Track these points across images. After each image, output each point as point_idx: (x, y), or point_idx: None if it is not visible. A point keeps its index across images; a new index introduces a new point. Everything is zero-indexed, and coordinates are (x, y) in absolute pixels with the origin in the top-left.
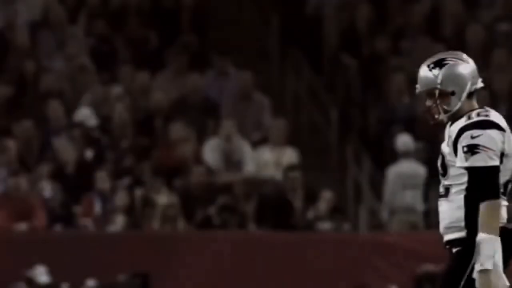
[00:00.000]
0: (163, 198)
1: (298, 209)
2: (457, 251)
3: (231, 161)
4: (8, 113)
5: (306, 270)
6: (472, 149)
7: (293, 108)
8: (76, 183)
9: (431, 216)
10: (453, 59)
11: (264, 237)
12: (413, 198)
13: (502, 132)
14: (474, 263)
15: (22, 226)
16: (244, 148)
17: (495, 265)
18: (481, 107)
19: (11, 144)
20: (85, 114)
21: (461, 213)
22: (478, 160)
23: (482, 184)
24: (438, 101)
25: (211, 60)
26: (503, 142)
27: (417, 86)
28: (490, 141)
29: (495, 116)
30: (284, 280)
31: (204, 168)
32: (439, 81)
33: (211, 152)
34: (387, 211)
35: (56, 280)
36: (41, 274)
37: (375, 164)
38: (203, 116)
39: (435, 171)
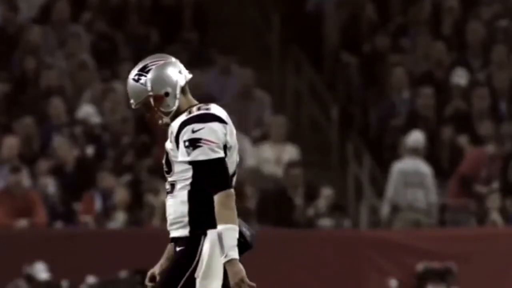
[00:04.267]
0: (164, 195)
1: (299, 206)
2: (180, 250)
3: None
4: (8, 110)
5: (306, 267)
6: (194, 143)
7: (293, 105)
8: (76, 180)
9: (433, 214)
10: (154, 62)
11: (265, 234)
12: (417, 196)
13: (224, 124)
14: (196, 263)
15: (22, 223)
16: (245, 145)
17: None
18: (200, 102)
19: (12, 141)
20: (88, 112)
21: (185, 209)
22: (201, 154)
23: (212, 177)
24: (156, 107)
25: (212, 57)
26: (226, 135)
27: (131, 101)
28: (212, 133)
29: (216, 109)
30: (284, 277)
31: None
32: (149, 88)
33: None
34: (390, 208)
35: (56, 277)
36: (41, 271)
37: (375, 161)
38: None
39: (435, 168)
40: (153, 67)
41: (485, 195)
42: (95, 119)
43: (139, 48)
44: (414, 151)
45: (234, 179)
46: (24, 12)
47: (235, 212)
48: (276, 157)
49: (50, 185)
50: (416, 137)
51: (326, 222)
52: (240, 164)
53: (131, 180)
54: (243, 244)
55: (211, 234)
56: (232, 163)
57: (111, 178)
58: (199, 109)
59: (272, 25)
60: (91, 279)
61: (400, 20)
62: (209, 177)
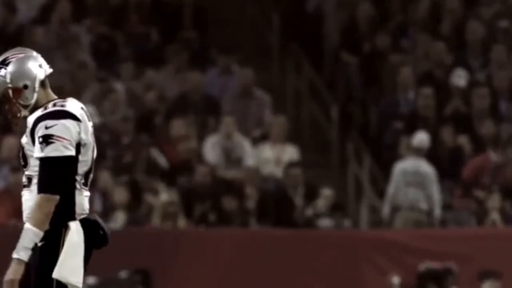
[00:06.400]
0: (164, 195)
1: (299, 206)
2: (42, 245)
3: (232, 158)
4: None
5: (306, 267)
6: (46, 139)
7: (293, 105)
8: None
9: (434, 214)
10: (15, 55)
11: (265, 234)
12: (417, 196)
13: (77, 122)
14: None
15: (22, 223)
16: (245, 145)
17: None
18: (60, 97)
19: (12, 141)
20: (88, 112)
21: None
22: (53, 150)
23: (48, 174)
24: (14, 100)
25: (212, 57)
26: (79, 132)
27: None
28: (64, 130)
29: (72, 106)
30: (284, 277)
31: (207, 165)
32: (8, 80)
33: (211, 149)
34: (390, 208)
35: None
36: None
37: (375, 161)
38: (204, 113)
39: (435, 168)
40: (13, 59)
41: (485, 198)
42: (95, 119)
43: (139, 48)
44: (418, 152)
45: (91, 175)
46: (23, 12)
47: (48, 219)
48: (276, 157)
49: None
50: (421, 138)
51: (326, 222)
52: (240, 164)
53: (132, 180)
54: (102, 238)
55: (71, 225)
56: (87, 160)
57: (111, 178)
58: (54, 105)
59: (272, 25)
60: (91, 280)
61: (400, 19)
62: (46, 173)
